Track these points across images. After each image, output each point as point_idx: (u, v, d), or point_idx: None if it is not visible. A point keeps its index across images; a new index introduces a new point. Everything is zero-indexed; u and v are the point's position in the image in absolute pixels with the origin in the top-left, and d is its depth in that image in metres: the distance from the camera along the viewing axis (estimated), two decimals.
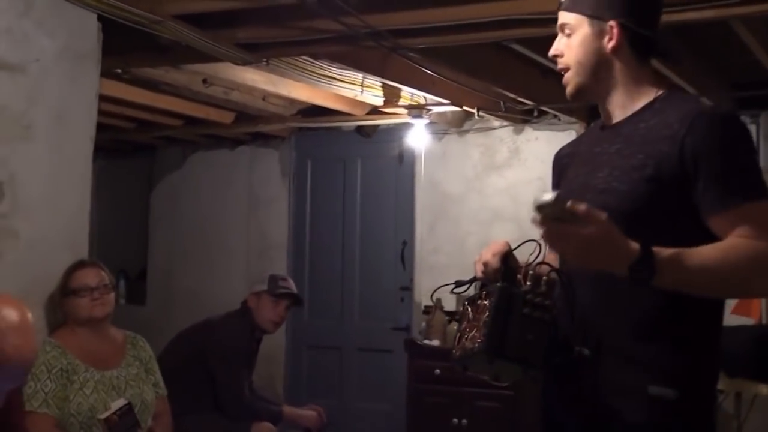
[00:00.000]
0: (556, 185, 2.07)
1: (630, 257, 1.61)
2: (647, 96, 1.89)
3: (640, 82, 1.91)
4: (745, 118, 4.83)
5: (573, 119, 5.34)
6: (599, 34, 1.87)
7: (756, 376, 4.11)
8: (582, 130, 4.72)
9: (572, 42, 1.90)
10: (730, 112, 1.90)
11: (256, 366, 4.48)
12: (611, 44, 1.88)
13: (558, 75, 1.97)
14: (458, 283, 1.95)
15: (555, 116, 5.50)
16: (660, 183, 1.75)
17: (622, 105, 1.91)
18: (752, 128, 4.86)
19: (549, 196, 1.58)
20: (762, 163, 1.74)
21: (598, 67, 1.89)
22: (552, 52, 1.95)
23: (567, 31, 1.91)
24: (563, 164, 2.07)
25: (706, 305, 1.78)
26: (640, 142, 1.81)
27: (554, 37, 1.97)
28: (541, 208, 1.59)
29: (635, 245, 1.62)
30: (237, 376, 4.20)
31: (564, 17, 1.91)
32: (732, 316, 4.44)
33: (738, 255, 1.67)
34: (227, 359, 4.17)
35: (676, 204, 1.75)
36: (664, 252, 1.62)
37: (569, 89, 1.94)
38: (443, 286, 2.08)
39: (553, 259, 1.93)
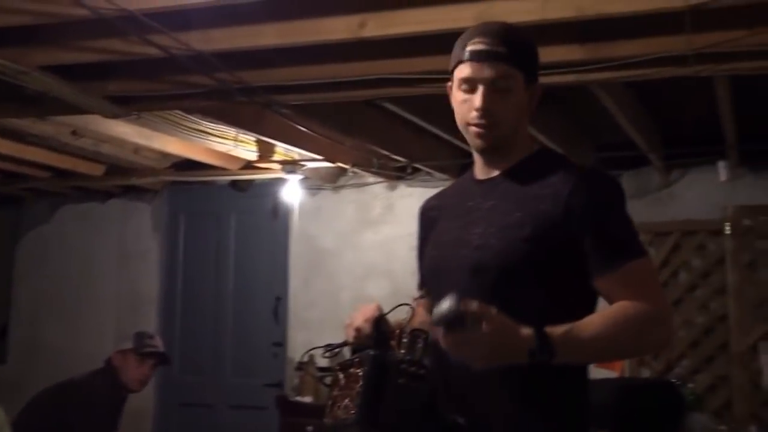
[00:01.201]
0: (424, 238, 2.05)
1: (527, 344, 1.59)
2: (521, 153, 1.90)
3: (524, 140, 1.93)
4: None
5: (446, 176, 5.44)
6: (526, 92, 1.85)
7: (619, 429, 4.21)
8: None
9: (511, 98, 1.81)
10: (608, 172, 1.95)
11: (122, 425, 4.34)
12: (533, 104, 1.89)
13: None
14: (329, 347, 1.91)
15: (428, 173, 5.60)
16: (538, 242, 1.75)
17: (506, 161, 1.89)
18: None
19: (446, 304, 1.53)
20: None
21: (518, 123, 1.87)
22: (486, 106, 1.80)
23: (503, 85, 1.80)
24: (431, 217, 2.05)
25: (576, 368, 1.79)
26: (516, 200, 1.82)
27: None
28: (442, 320, 1.53)
29: (528, 331, 1.60)
30: None
31: (501, 70, 1.79)
32: (596, 370, 4.57)
33: (626, 319, 1.69)
34: (92, 421, 4.02)
35: (554, 262, 1.76)
36: (557, 331, 1.61)
37: (489, 140, 1.84)
38: (314, 348, 2.05)
39: (426, 322, 1.90)
